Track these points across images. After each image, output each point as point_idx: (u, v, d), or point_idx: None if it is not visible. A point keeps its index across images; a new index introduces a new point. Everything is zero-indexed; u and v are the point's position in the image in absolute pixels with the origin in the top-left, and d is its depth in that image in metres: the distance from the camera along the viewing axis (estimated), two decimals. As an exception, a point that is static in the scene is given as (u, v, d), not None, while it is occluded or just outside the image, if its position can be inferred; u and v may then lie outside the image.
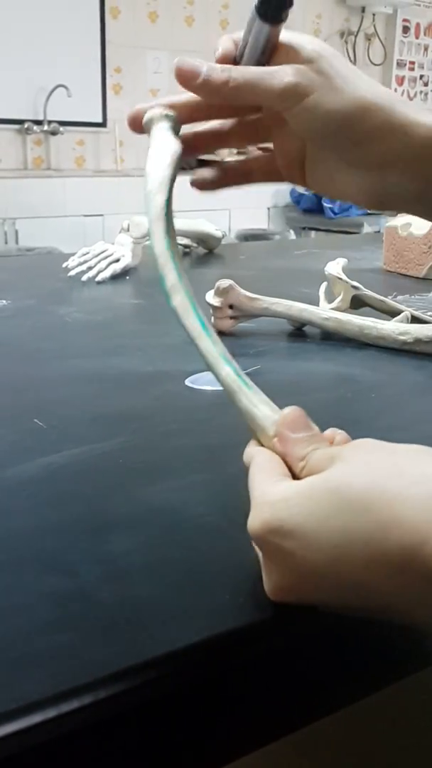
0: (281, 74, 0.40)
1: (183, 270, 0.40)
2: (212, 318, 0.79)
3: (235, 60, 0.43)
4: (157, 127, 0.44)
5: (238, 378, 0.37)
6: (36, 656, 0.30)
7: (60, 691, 0.28)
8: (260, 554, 0.32)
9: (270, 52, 0.43)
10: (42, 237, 2.90)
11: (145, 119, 0.45)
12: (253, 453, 0.36)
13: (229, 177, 0.48)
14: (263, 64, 0.42)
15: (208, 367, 0.38)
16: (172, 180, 0.43)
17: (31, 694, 0.28)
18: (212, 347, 0.38)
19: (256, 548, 0.33)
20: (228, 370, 0.38)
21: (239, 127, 0.46)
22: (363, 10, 4.23)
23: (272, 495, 0.31)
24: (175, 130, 0.44)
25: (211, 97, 0.41)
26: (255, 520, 0.31)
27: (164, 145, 0.44)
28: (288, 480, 0.32)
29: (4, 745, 0.26)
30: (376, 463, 0.29)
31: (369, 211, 1.41)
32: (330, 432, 0.36)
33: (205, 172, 0.46)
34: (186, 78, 0.41)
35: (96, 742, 0.29)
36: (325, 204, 3.47)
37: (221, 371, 0.38)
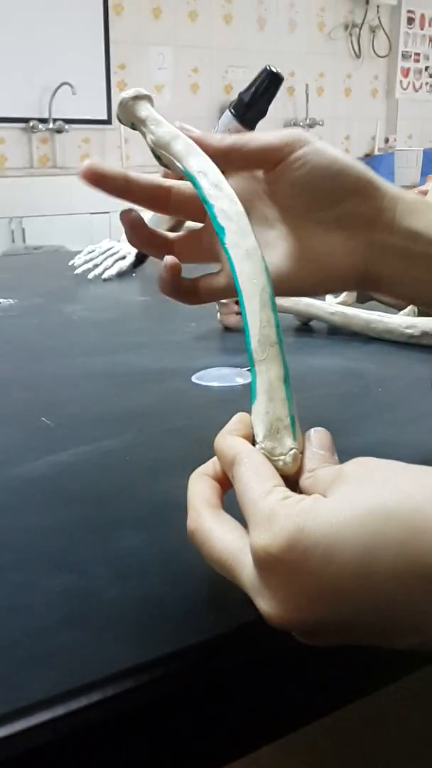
0: (274, 131, 0.42)
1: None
2: (218, 314, 0.79)
3: None
4: (141, 106, 0.44)
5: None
6: (44, 655, 0.30)
7: (68, 689, 0.28)
8: (258, 576, 0.28)
9: None
10: (49, 235, 2.90)
11: (119, 110, 0.45)
12: (242, 452, 0.32)
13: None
14: None
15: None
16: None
17: (39, 693, 0.28)
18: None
19: (249, 572, 0.29)
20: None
21: (185, 241, 0.46)
22: (367, 2, 4.21)
23: (290, 506, 0.28)
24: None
25: (208, 146, 0.42)
26: (269, 534, 0.27)
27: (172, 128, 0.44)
28: (290, 492, 0.29)
29: (13, 744, 0.26)
30: (393, 476, 0.27)
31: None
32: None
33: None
34: (187, 131, 0.43)
35: (104, 741, 0.29)
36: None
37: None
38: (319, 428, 0.34)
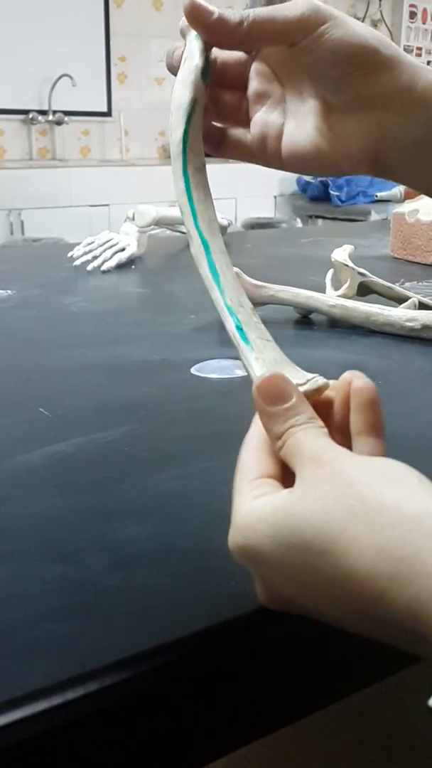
0: (294, 5, 0.40)
1: (206, 211, 0.39)
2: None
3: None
4: (189, 38, 0.42)
5: (238, 333, 0.36)
6: (42, 644, 0.30)
7: (66, 678, 0.28)
8: None
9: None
10: (48, 227, 2.90)
11: (181, 24, 0.42)
12: (249, 433, 0.34)
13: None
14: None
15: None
16: (193, 105, 0.40)
17: (37, 682, 0.28)
18: (220, 298, 0.37)
19: None
20: (231, 323, 0.36)
21: (218, 108, 0.44)
22: (369, -5, 4.20)
23: (242, 518, 0.30)
24: (206, 42, 0.42)
25: (223, 39, 0.41)
26: (230, 539, 0.30)
27: (188, 61, 0.41)
28: (263, 489, 0.31)
29: (12, 732, 0.26)
30: (333, 504, 0.28)
31: (376, 199, 1.40)
32: (347, 375, 0.34)
33: None
34: (198, 14, 0.41)
35: (102, 729, 0.29)
36: (332, 192, 3.45)
37: (226, 324, 0.37)
38: (262, 379, 0.33)
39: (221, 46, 0.42)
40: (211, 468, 0.47)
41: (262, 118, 0.43)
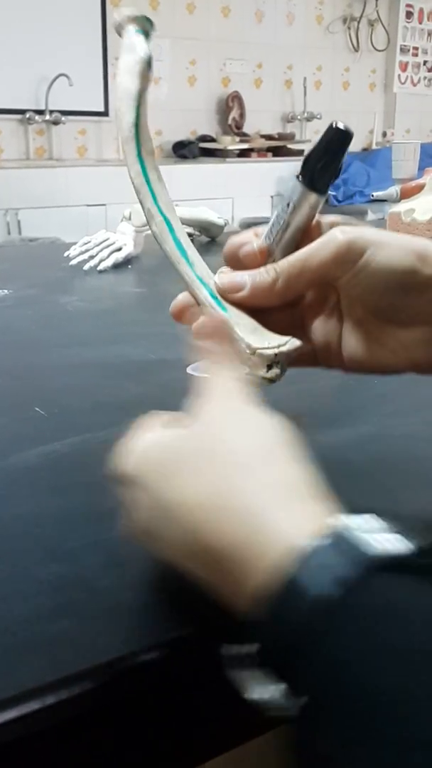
0: (330, 239, 0.38)
1: (163, 192, 0.41)
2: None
3: (268, 251, 0.41)
4: (126, 31, 0.42)
5: (214, 301, 0.39)
6: (36, 643, 0.30)
7: (60, 677, 0.28)
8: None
9: (306, 230, 0.41)
10: (45, 227, 2.89)
11: (116, 18, 0.42)
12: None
13: None
14: (299, 246, 0.41)
15: (188, 291, 0.40)
16: (141, 93, 0.41)
17: (30, 681, 0.28)
18: (190, 270, 0.40)
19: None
20: (205, 292, 0.39)
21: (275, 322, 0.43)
22: (366, -5, 4.20)
23: (132, 444, 0.33)
24: (146, 33, 0.42)
25: (264, 303, 0.40)
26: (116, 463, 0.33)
27: (131, 52, 0.41)
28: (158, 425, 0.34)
29: (4, 732, 0.26)
30: (193, 442, 0.32)
31: (373, 198, 1.40)
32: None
33: None
34: (232, 292, 0.40)
35: (96, 728, 0.29)
36: (328, 192, 3.45)
37: (199, 295, 0.39)
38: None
39: (265, 309, 0.41)
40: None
41: (322, 326, 0.43)
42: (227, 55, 3.85)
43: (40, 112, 3.31)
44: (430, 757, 0.21)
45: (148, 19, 0.42)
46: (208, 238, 1.35)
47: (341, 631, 0.24)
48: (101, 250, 1.10)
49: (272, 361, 0.39)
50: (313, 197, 0.40)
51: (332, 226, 0.40)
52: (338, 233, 0.38)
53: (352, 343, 0.42)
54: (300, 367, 0.42)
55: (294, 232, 0.41)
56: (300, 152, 3.87)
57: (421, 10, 4.45)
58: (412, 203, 1.17)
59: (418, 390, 0.60)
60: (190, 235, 1.35)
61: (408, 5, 4.38)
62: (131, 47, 0.41)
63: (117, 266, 1.10)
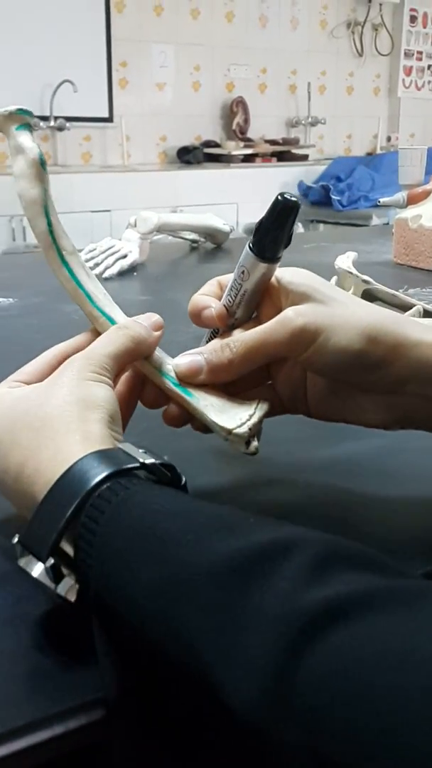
0: (285, 323, 0.40)
1: (97, 289, 0.43)
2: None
3: (226, 309, 0.43)
4: (8, 132, 0.41)
5: (178, 389, 0.42)
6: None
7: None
8: None
9: (263, 291, 0.43)
10: (50, 233, 2.89)
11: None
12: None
13: None
14: (257, 305, 0.43)
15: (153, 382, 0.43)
16: (44, 196, 0.41)
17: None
18: (148, 365, 0.42)
19: None
20: (168, 383, 0.42)
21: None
22: (369, 0, 4.20)
23: None
24: (29, 127, 0.42)
25: (223, 379, 0.42)
26: None
27: (21, 153, 0.41)
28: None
29: None
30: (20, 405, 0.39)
31: (378, 204, 1.39)
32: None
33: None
34: (190, 376, 0.42)
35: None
36: (333, 197, 3.44)
37: (163, 385, 0.42)
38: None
39: (223, 382, 0.43)
40: (215, 483, 0.46)
41: (287, 377, 0.44)
42: (231, 60, 3.85)
43: (45, 119, 3.31)
44: None
45: (25, 111, 0.41)
46: (214, 244, 1.34)
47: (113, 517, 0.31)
48: (106, 258, 1.10)
49: (249, 437, 0.40)
50: (264, 266, 0.41)
51: (290, 291, 0.41)
52: (293, 316, 0.40)
53: (315, 397, 0.44)
54: (269, 417, 0.43)
55: (251, 295, 0.43)
56: (304, 157, 3.87)
57: (425, 15, 4.44)
58: (420, 209, 1.16)
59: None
60: (195, 241, 1.34)
61: (412, 9, 4.38)
62: (19, 148, 0.41)
63: (122, 274, 1.09)
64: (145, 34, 3.56)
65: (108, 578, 0.29)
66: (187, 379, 0.42)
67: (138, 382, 0.44)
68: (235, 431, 0.40)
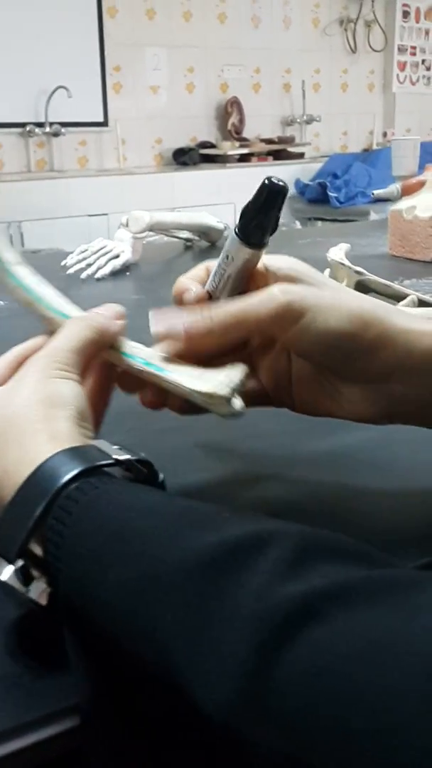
0: (270, 298, 0.38)
1: (49, 293, 0.45)
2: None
3: (209, 294, 0.42)
4: None
5: (148, 366, 0.41)
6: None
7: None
8: None
9: (248, 278, 0.41)
10: (48, 238, 2.89)
11: None
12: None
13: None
14: (242, 292, 0.41)
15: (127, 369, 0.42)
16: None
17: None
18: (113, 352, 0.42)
19: None
20: (138, 363, 0.41)
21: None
22: (362, -4, 4.19)
23: None
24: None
25: (201, 348, 0.40)
26: None
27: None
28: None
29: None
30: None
31: (374, 198, 1.38)
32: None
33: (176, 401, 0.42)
34: (168, 338, 0.41)
35: None
36: (330, 194, 3.43)
37: (134, 366, 0.41)
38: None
39: (201, 352, 0.41)
40: (203, 480, 0.45)
41: (271, 367, 0.43)
42: (225, 61, 3.84)
43: (40, 125, 3.31)
44: None
45: None
46: (208, 242, 1.33)
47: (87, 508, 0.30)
48: (98, 258, 1.09)
49: (230, 396, 0.38)
50: (248, 251, 0.40)
51: (278, 276, 0.40)
52: (278, 293, 0.38)
53: (300, 388, 0.42)
54: (253, 407, 0.41)
55: (234, 281, 0.41)
56: (301, 155, 3.86)
57: (417, 9, 4.43)
58: (414, 200, 1.15)
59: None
60: (189, 240, 1.33)
61: (404, 5, 4.36)
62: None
63: (115, 273, 1.08)
64: (137, 37, 3.56)
65: (77, 580, 0.28)
66: (164, 343, 0.41)
67: (108, 373, 0.43)
68: (215, 393, 0.38)
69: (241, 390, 0.39)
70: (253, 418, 0.47)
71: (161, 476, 0.35)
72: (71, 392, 0.37)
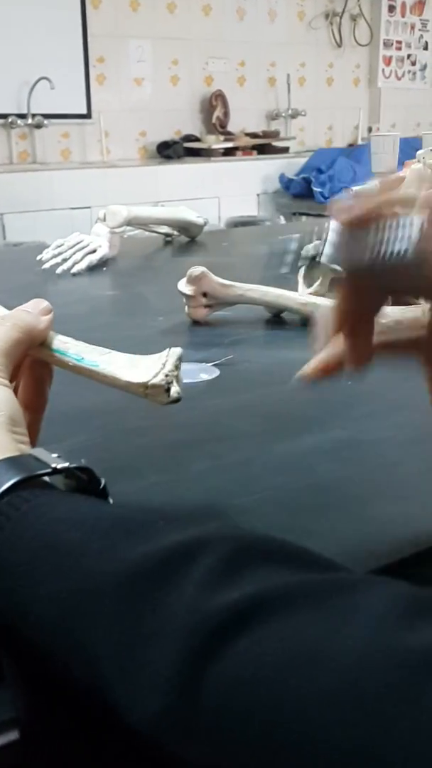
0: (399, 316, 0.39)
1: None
2: (186, 307, 0.76)
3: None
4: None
5: (80, 361, 0.40)
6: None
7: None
8: None
9: None
10: (30, 231, 2.86)
11: None
12: None
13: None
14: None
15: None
16: None
17: None
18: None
19: None
20: (72, 360, 0.40)
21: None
22: (347, -10, 4.17)
23: None
24: None
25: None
26: None
27: None
28: None
29: None
30: None
31: (351, 192, 1.37)
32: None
33: None
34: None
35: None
36: (315, 189, 3.43)
37: (68, 363, 0.41)
38: None
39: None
40: (167, 480, 0.45)
41: None
42: (209, 53, 3.82)
43: (23, 116, 3.28)
44: None
45: None
46: (188, 238, 1.32)
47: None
48: (74, 253, 1.08)
49: (167, 383, 0.38)
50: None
51: None
52: None
53: None
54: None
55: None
56: (285, 149, 3.84)
57: (403, 4, 4.43)
58: (393, 197, 1.14)
59: (391, 391, 0.58)
60: (168, 235, 1.32)
61: (390, -1, 4.36)
62: None
63: (92, 269, 1.07)
64: (121, 29, 3.53)
65: (7, 596, 0.27)
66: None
67: (42, 370, 0.42)
68: (150, 383, 0.38)
69: (177, 376, 0.39)
70: (219, 418, 0.47)
71: (103, 482, 0.34)
72: (0, 398, 0.35)
